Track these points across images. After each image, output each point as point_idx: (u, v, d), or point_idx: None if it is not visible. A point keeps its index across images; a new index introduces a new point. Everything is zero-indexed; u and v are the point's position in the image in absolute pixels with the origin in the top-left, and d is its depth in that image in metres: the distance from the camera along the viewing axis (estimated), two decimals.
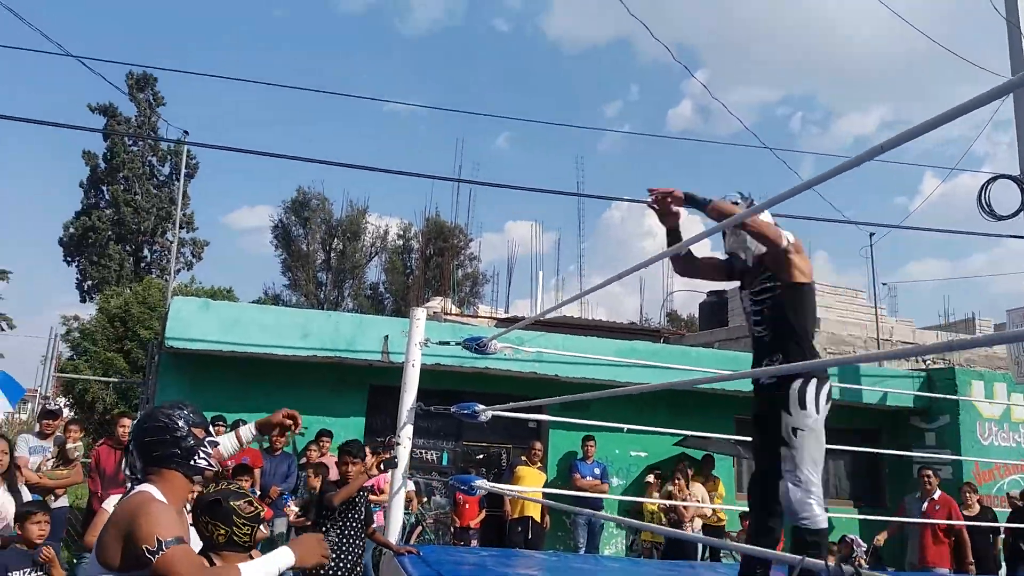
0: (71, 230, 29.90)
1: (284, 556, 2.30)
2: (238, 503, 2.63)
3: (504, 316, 18.44)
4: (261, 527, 2.69)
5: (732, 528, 9.20)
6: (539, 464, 8.93)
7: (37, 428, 6.94)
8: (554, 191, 29.65)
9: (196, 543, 2.37)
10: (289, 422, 2.90)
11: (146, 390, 8.59)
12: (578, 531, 8.98)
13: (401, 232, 32.15)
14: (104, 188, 30.46)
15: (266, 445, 7.90)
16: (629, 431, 9.03)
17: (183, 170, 14.80)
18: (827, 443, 3.40)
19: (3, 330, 38.09)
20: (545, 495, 7.94)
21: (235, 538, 2.57)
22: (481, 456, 9.58)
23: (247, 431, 2.87)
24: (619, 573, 4.59)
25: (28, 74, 51.91)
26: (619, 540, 9.75)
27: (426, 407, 5.19)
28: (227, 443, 2.74)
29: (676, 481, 8.64)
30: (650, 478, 9.12)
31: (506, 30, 54.59)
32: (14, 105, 52.53)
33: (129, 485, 2.38)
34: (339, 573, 5.00)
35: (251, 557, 2.58)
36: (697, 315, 19.89)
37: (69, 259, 30.32)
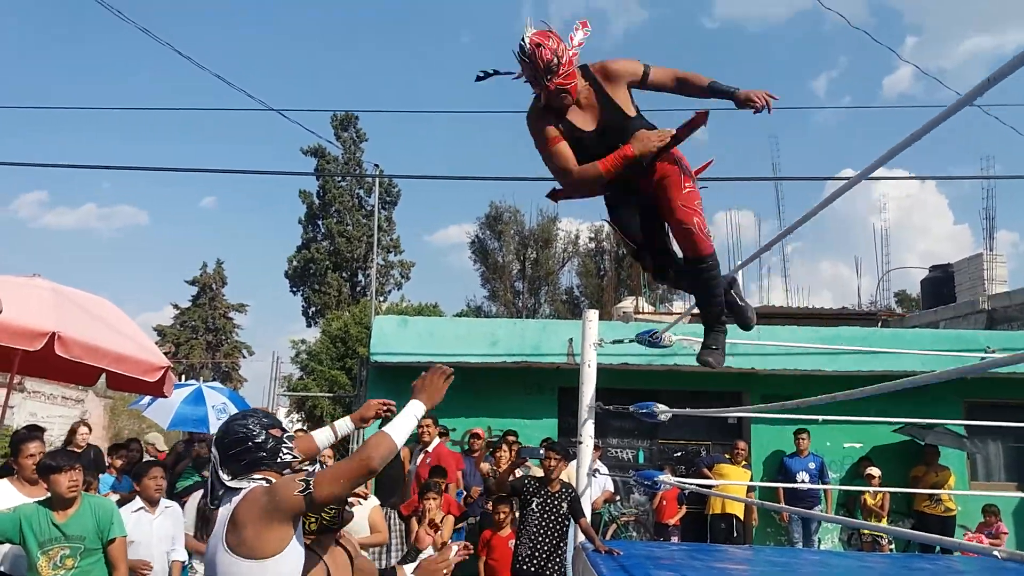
0: (294, 263, 33.25)
1: (416, 406, 2.37)
2: None
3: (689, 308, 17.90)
4: (347, 508, 2.73)
5: (965, 521, 8.29)
6: (744, 463, 8.57)
7: None
8: (739, 178, 28.13)
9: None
10: (384, 411, 2.91)
11: (359, 401, 9.34)
12: (793, 527, 8.54)
13: (592, 235, 32.38)
14: (319, 222, 33.56)
15: (466, 448, 8.29)
16: (843, 421, 8.50)
17: (376, 201, 15.97)
18: (985, 420, 3.02)
19: (244, 357, 43.16)
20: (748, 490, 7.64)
21: (324, 522, 2.62)
22: (679, 454, 9.38)
23: (343, 423, 2.91)
24: (813, 565, 4.31)
25: (247, 129, 58.46)
26: (834, 535, 9.13)
27: (605, 407, 5.21)
28: (322, 437, 2.80)
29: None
30: (872, 470, 8.43)
31: (712, 27, 52.65)
32: (239, 159, 59.40)
33: (220, 495, 2.30)
34: (544, 566, 5.21)
35: (339, 538, 2.61)
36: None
37: (295, 289, 33.72)
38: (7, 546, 3.87)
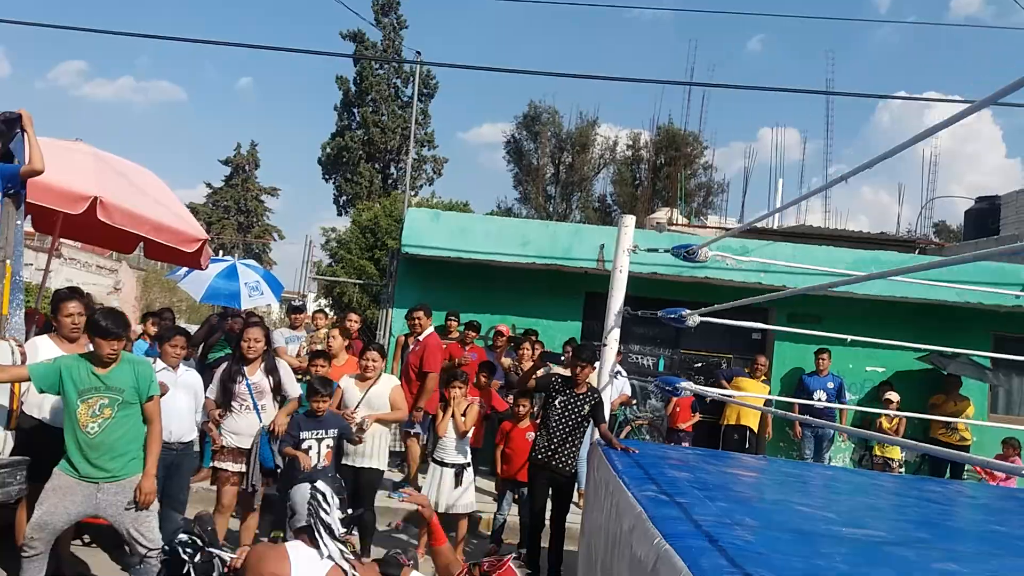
0: (327, 150, 33.05)
1: None
2: None
3: (736, 227, 17.66)
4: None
5: (979, 452, 8.36)
6: (763, 378, 8.65)
7: (288, 323, 8.08)
8: (793, 89, 27.15)
9: None
10: None
11: (388, 291, 9.46)
12: (805, 443, 8.68)
13: (631, 142, 31.69)
14: (355, 110, 33.14)
15: (489, 343, 8.42)
16: (867, 344, 8.47)
17: (415, 90, 15.62)
18: (1013, 354, 2.92)
19: (275, 240, 43.70)
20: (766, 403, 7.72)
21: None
22: (700, 364, 9.47)
23: None
24: (826, 479, 4.39)
25: (287, 5, 57.03)
26: (846, 455, 9.29)
27: (633, 311, 5.21)
28: None
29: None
30: (891, 395, 8.47)
31: None
32: (278, 39, 58.18)
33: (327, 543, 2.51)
34: (555, 457, 5.41)
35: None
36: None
37: (327, 177, 33.66)
38: (47, 396, 4.03)
